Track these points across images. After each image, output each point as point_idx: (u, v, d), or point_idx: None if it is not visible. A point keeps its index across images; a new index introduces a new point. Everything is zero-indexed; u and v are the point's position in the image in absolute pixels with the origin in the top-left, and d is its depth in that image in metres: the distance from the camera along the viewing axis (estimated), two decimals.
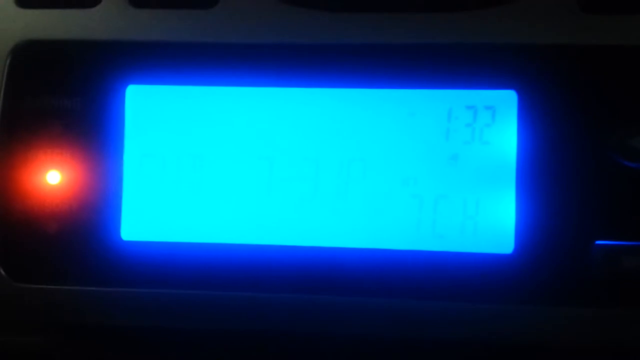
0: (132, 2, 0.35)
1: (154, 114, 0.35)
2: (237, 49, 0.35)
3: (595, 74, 0.33)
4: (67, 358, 0.37)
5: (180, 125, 0.35)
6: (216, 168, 0.35)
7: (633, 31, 0.33)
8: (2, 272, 0.35)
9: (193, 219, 0.35)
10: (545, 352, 0.34)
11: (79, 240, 0.35)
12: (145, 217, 0.35)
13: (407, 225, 0.34)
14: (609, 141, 0.33)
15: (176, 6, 0.35)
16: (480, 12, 0.34)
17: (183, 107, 0.35)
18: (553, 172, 0.33)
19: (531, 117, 0.33)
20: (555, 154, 0.33)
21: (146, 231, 0.35)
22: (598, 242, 0.33)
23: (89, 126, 0.35)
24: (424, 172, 0.34)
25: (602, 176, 0.33)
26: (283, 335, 0.34)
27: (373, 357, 0.35)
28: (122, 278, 0.35)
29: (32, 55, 0.35)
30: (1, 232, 0.35)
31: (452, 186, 0.34)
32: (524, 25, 0.34)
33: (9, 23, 0.35)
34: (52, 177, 0.35)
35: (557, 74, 0.33)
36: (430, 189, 0.34)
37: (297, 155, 0.35)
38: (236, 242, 0.35)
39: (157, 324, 0.34)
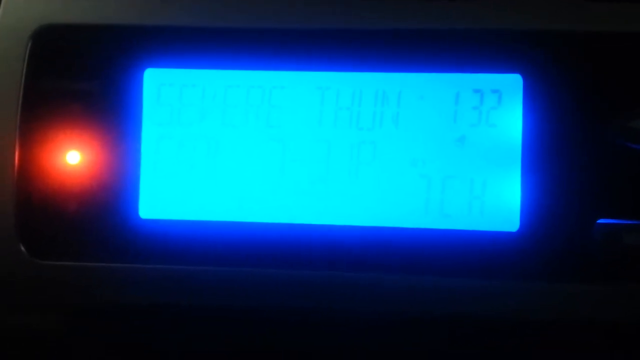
0: None
1: (171, 96, 0.36)
2: (253, 33, 0.36)
3: (598, 59, 0.34)
4: (83, 337, 0.38)
5: (196, 108, 0.36)
6: (231, 149, 0.36)
7: (634, 18, 0.34)
8: (23, 250, 0.36)
9: (208, 198, 0.36)
10: (549, 327, 0.35)
11: (98, 219, 0.36)
12: (162, 196, 0.36)
13: (415, 204, 0.35)
14: (611, 123, 0.34)
15: None
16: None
17: (199, 89, 0.36)
18: (557, 154, 0.34)
19: (536, 100, 0.35)
20: (559, 136, 0.34)
21: (163, 210, 0.36)
22: (600, 220, 0.34)
23: (108, 108, 0.36)
24: (432, 154, 0.35)
25: (604, 157, 0.34)
26: (297, 311, 0.35)
27: (382, 332, 0.36)
28: (140, 255, 0.36)
29: (52, 40, 0.36)
30: (22, 210, 0.36)
31: (460, 167, 0.35)
32: (530, 11, 0.35)
33: (31, 8, 0.36)
34: (72, 157, 0.36)
35: (561, 59, 0.35)
36: (438, 170, 0.35)
37: (309, 137, 0.36)
38: (250, 221, 0.36)
39: (174, 300, 0.35)
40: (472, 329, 0.35)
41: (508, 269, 0.35)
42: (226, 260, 0.36)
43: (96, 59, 0.36)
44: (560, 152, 0.34)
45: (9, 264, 0.36)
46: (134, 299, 0.36)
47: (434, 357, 0.36)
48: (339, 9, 0.35)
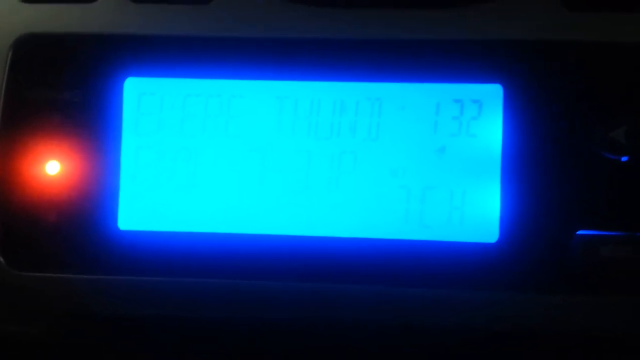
0: None
1: (151, 105, 0.36)
2: (233, 43, 0.36)
3: (577, 69, 0.34)
4: (65, 347, 0.37)
5: (176, 117, 0.36)
6: (211, 159, 0.36)
7: (613, 28, 0.34)
8: (2, 260, 0.36)
9: (188, 209, 0.36)
10: (527, 337, 0.35)
11: (77, 230, 0.36)
12: (141, 207, 0.36)
13: (395, 215, 0.35)
14: (591, 134, 0.34)
15: (174, 1, 0.36)
16: (467, 9, 0.35)
17: (179, 99, 0.36)
18: (537, 164, 0.34)
19: (516, 110, 0.35)
20: (539, 146, 0.34)
21: (143, 221, 0.36)
22: (579, 232, 0.34)
23: (87, 118, 0.36)
24: (412, 164, 0.35)
25: (584, 168, 0.34)
26: (276, 322, 0.35)
27: (362, 343, 0.36)
28: (119, 266, 0.36)
29: (33, 49, 0.36)
30: (1, 221, 0.36)
31: (440, 177, 0.35)
32: (509, 22, 0.35)
33: (12, 17, 0.36)
34: (52, 167, 0.36)
35: (541, 69, 0.35)
36: (418, 180, 0.35)
37: (289, 147, 0.36)
38: (230, 232, 0.36)
39: (154, 311, 0.35)
40: (452, 339, 0.35)
41: (487, 280, 0.35)
42: (206, 271, 0.36)
43: (76, 68, 0.36)
44: (540, 163, 0.34)
45: None
46: (113, 311, 0.36)
47: None
48: (321, 19, 0.35)
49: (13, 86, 0.36)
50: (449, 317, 0.35)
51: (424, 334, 0.35)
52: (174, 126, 0.36)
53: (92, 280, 0.36)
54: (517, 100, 0.35)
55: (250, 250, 0.35)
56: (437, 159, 0.35)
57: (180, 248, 0.36)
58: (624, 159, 0.34)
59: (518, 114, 0.35)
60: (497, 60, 0.35)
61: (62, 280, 0.36)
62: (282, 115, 0.36)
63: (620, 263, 0.33)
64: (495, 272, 0.34)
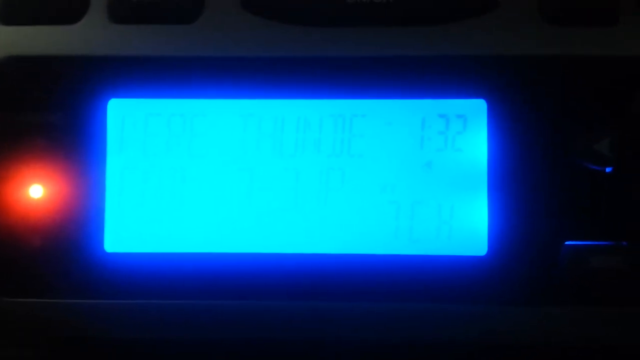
0: (113, 18, 0.36)
1: (135, 126, 0.36)
2: (217, 63, 0.36)
3: (559, 83, 0.35)
4: None
5: (161, 138, 0.36)
6: (197, 179, 0.36)
7: (592, 42, 0.35)
8: None
9: (175, 230, 0.36)
10: (520, 350, 0.35)
11: (63, 253, 0.35)
12: (128, 229, 0.36)
13: (385, 230, 0.35)
14: (575, 146, 0.35)
15: (156, 22, 0.36)
16: (450, 26, 0.35)
17: (164, 119, 0.36)
18: (523, 177, 0.35)
19: (501, 124, 0.35)
20: (525, 159, 0.35)
21: (129, 243, 0.36)
22: (567, 242, 0.34)
23: (71, 140, 0.36)
24: (400, 179, 0.35)
25: (569, 180, 0.35)
26: (267, 341, 0.35)
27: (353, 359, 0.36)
28: (106, 289, 0.35)
29: (14, 71, 0.36)
30: None
31: (428, 192, 0.35)
32: (492, 37, 0.35)
33: None
34: (35, 191, 0.36)
35: (524, 84, 0.35)
36: (407, 195, 0.35)
37: (276, 165, 0.36)
38: (219, 251, 0.35)
39: (143, 334, 0.35)
40: (444, 354, 0.35)
41: (478, 293, 0.35)
42: (195, 293, 0.35)
43: (59, 90, 0.36)
44: (526, 176, 0.35)
45: None
46: (102, 335, 0.35)
47: None
48: (305, 38, 0.35)
49: None
50: (441, 331, 0.35)
51: (416, 349, 0.35)
52: (159, 146, 0.36)
53: (80, 305, 0.35)
54: (501, 114, 0.35)
55: (239, 270, 0.35)
56: (424, 174, 0.35)
57: (169, 269, 0.35)
58: (608, 169, 0.34)
59: (502, 128, 0.35)
60: (481, 75, 0.35)
61: (49, 305, 0.35)
62: (268, 134, 0.36)
63: (610, 272, 0.34)
64: (485, 285, 0.35)
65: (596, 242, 0.34)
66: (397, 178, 0.35)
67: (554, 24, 0.35)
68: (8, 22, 0.36)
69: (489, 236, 0.35)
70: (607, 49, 0.35)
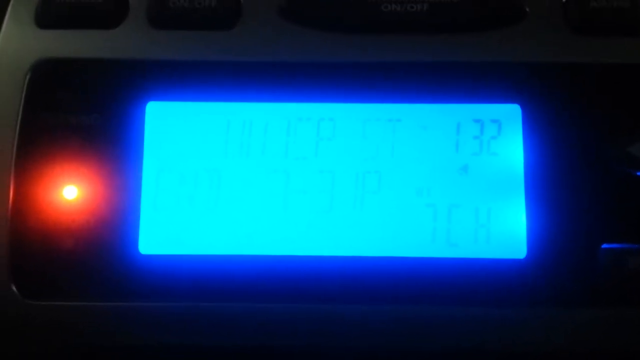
0: (153, 23, 0.36)
1: (172, 129, 0.36)
2: (252, 67, 0.36)
3: (592, 89, 0.36)
4: None
5: (197, 140, 0.36)
6: (233, 182, 0.36)
7: (615, 51, 0.36)
8: (15, 290, 0.34)
9: (211, 232, 0.35)
10: (559, 354, 0.34)
11: (96, 256, 0.35)
12: (163, 230, 0.35)
13: (422, 233, 0.35)
14: (609, 150, 0.35)
15: (195, 28, 0.36)
16: (486, 34, 0.36)
17: (201, 122, 0.36)
18: (559, 180, 0.35)
19: (535, 129, 0.35)
20: (560, 163, 0.35)
21: (164, 245, 0.35)
22: (605, 245, 0.35)
23: (107, 142, 0.36)
24: (436, 183, 0.35)
25: (605, 183, 0.35)
26: (305, 346, 0.34)
27: None
28: (141, 292, 0.34)
29: (51, 73, 0.36)
30: (15, 249, 0.35)
31: (464, 195, 0.35)
32: (524, 45, 0.36)
33: (29, 42, 0.36)
34: (69, 192, 0.35)
35: (557, 89, 0.36)
36: (443, 199, 0.35)
37: (313, 168, 0.36)
38: (254, 254, 0.35)
39: (177, 339, 0.34)
40: (483, 357, 0.34)
41: (517, 297, 0.34)
42: (230, 295, 0.35)
43: (97, 93, 0.36)
44: (562, 179, 0.35)
45: (0, 306, 0.34)
46: (135, 339, 0.34)
47: None
48: (344, 45, 0.36)
49: (30, 110, 0.36)
50: (480, 335, 0.34)
51: (456, 354, 0.34)
52: (195, 149, 0.36)
53: (113, 308, 0.34)
54: (535, 119, 0.36)
55: (275, 272, 0.35)
56: (460, 178, 0.36)
57: (204, 271, 0.35)
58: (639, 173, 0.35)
59: (537, 133, 0.35)
60: (515, 81, 0.36)
61: (82, 308, 0.34)
62: (304, 137, 0.36)
63: None
64: (525, 288, 0.34)
65: (633, 245, 0.34)
66: (433, 181, 0.35)
67: (580, 33, 0.36)
68: (43, 25, 0.36)
69: (527, 239, 0.35)
70: (631, 57, 0.36)
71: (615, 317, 0.34)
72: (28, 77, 0.36)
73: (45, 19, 0.37)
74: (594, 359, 0.35)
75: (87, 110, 0.36)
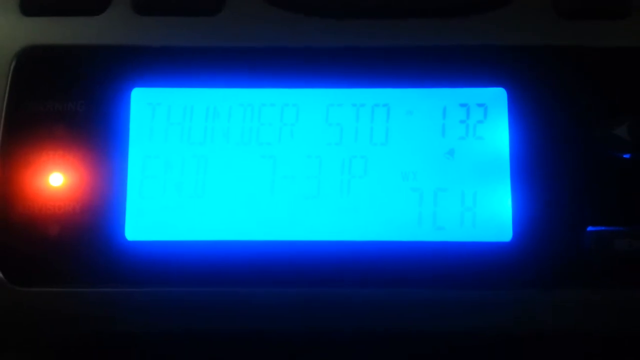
0: (137, 9, 0.36)
1: (158, 115, 0.36)
2: (238, 53, 0.36)
3: (577, 72, 0.36)
4: None
5: (183, 126, 0.36)
6: (219, 167, 0.36)
7: (603, 34, 0.36)
8: (1, 276, 0.34)
9: (197, 218, 0.35)
10: (545, 334, 0.35)
11: (83, 241, 0.35)
12: (149, 217, 0.35)
13: (408, 217, 0.35)
14: (595, 132, 0.35)
15: (180, 14, 0.36)
16: (471, 18, 0.36)
17: (186, 108, 0.36)
18: (545, 164, 0.35)
19: (521, 112, 0.36)
20: (546, 146, 0.35)
21: (150, 231, 0.35)
22: (590, 228, 0.35)
23: (93, 128, 0.36)
24: (422, 167, 0.36)
25: (590, 166, 0.35)
26: (291, 329, 0.34)
27: (380, 347, 0.35)
28: (127, 278, 0.34)
29: (37, 60, 0.36)
30: (1, 235, 0.35)
31: (450, 179, 0.35)
32: (511, 29, 0.36)
33: (14, 29, 0.36)
34: (55, 179, 0.35)
35: (542, 73, 0.36)
36: (430, 183, 0.35)
37: (299, 153, 0.36)
38: (241, 239, 0.35)
39: (164, 323, 0.34)
40: (470, 339, 0.35)
41: (504, 279, 0.35)
42: (217, 280, 0.35)
43: (82, 80, 0.36)
44: (548, 162, 0.35)
45: None
46: (122, 325, 0.34)
47: None
48: (329, 29, 0.36)
49: (15, 97, 0.35)
50: (467, 318, 0.34)
51: (443, 336, 0.35)
52: (180, 135, 0.36)
53: (100, 294, 0.34)
54: (520, 102, 0.36)
55: (262, 258, 0.35)
56: (446, 162, 0.36)
57: (190, 257, 0.35)
58: (626, 155, 0.35)
59: (522, 116, 0.36)
60: (500, 65, 0.36)
61: (69, 294, 0.34)
62: (290, 122, 0.36)
63: (634, 255, 0.34)
64: (512, 271, 0.35)
65: (618, 227, 0.34)
66: (419, 166, 0.36)
67: (566, 17, 0.36)
68: (28, 13, 0.36)
69: (513, 222, 0.35)
70: (618, 40, 0.36)
71: (601, 298, 0.34)
72: (13, 64, 0.36)
73: (30, 6, 0.36)
74: (579, 339, 0.35)
75: (72, 97, 0.36)
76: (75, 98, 0.36)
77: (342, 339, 0.35)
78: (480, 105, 0.36)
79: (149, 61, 0.36)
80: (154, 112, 0.36)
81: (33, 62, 0.36)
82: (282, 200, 0.35)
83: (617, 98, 0.35)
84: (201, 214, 0.35)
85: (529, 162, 0.35)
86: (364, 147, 0.36)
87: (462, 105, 0.36)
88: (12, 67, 0.36)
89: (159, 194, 0.35)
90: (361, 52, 0.36)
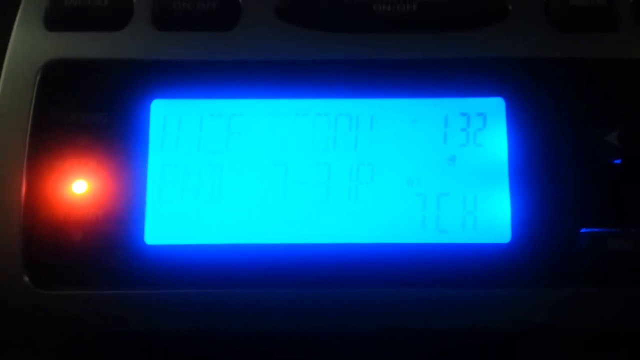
0: (157, 25, 0.38)
1: (176, 125, 0.38)
2: (252, 66, 0.38)
3: (570, 82, 0.38)
4: None
5: (200, 136, 0.38)
6: (234, 175, 0.38)
7: (594, 47, 0.38)
8: (27, 280, 0.36)
9: (213, 223, 0.37)
10: (542, 331, 0.36)
11: (104, 246, 0.36)
12: (167, 222, 0.37)
13: (413, 221, 0.37)
14: (588, 139, 0.37)
15: (197, 29, 0.38)
16: (471, 32, 0.38)
17: (203, 118, 0.38)
18: (541, 169, 0.37)
19: (518, 121, 0.38)
20: (542, 152, 0.37)
21: (168, 235, 0.37)
22: (584, 229, 0.37)
23: (114, 138, 0.37)
24: (426, 173, 0.38)
25: (584, 171, 0.37)
26: (304, 329, 0.36)
27: (386, 347, 0.37)
28: (147, 280, 0.36)
29: (61, 73, 0.38)
30: (27, 240, 0.36)
31: (452, 185, 0.38)
32: (508, 42, 0.38)
33: (39, 44, 0.38)
34: (78, 186, 0.37)
35: (539, 83, 0.38)
36: (433, 188, 0.38)
37: (309, 161, 0.38)
38: (255, 242, 0.37)
39: (183, 325, 0.36)
40: (472, 337, 0.37)
41: (501, 278, 0.37)
42: (232, 282, 0.36)
43: (104, 92, 0.38)
44: (544, 168, 0.37)
45: (13, 296, 0.36)
46: (141, 325, 0.36)
47: None
48: (337, 43, 0.38)
49: (41, 109, 0.37)
50: (468, 315, 0.36)
51: (445, 334, 0.37)
52: (198, 144, 0.38)
53: (121, 296, 0.36)
54: (518, 111, 0.38)
55: (275, 260, 0.37)
56: (448, 168, 0.38)
57: (207, 260, 0.37)
58: (616, 161, 0.37)
59: (520, 124, 0.38)
60: (499, 76, 0.38)
61: (91, 297, 0.36)
62: (301, 131, 0.38)
63: (625, 255, 0.36)
64: (510, 271, 0.37)
65: (612, 228, 0.37)
66: (422, 172, 0.38)
67: (560, 30, 0.38)
68: (52, 28, 0.38)
69: (512, 224, 0.37)
70: (609, 52, 0.38)
71: (595, 295, 0.36)
72: (38, 77, 0.38)
73: (54, 21, 0.38)
74: (575, 335, 0.37)
75: (94, 109, 0.37)
76: (97, 109, 0.37)
77: (353, 337, 0.36)
78: (479, 114, 0.38)
79: (168, 74, 0.38)
80: (173, 122, 0.38)
81: (58, 75, 0.38)
82: (293, 205, 0.37)
83: (608, 107, 0.38)
84: (217, 219, 0.37)
85: (526, 168, 0.37)
86: (370, 154, 0.38)
87: (463, 114, 0.38)
88: (37, 80, 0.37)
89: (177, 200, 0.37)
90: (368, 64, 0.38)
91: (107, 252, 0.36)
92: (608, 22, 0.38)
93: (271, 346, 0.37)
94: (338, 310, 0.36)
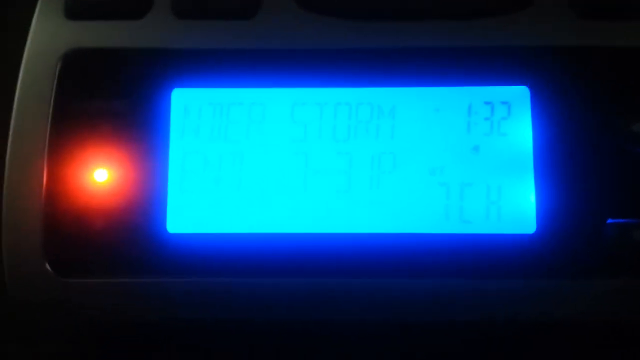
0: (177, 13, 0.38)
1: (196, 114, 0.38)
2: (273, 54, 0.38)
3: (595, 71, 0.37)
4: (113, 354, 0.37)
5: (221, 124, 0.38)
6: (255, 164, 0.37)
7: (619, 34, 0.37)
8: (49, 269, 0.36)
9: (234, 212, 0.37)
10: (568, 323, 0.36)
11: (126, 234, 0.36)
12: (189, 210, 0.37)
13: (436, 211, 0.37)
14: (614, 129, 0.37)
15: (217, 17, 0.38)
16: (495, 20, 0.38)
17: (223, 107, 0.38)
18: (566, 159, 0.37)
19: (543, 110, 0.37)
20: (567, 142, 0.37)
21: (190, 224, 0.37)
22: (610, 220, 0.36)
23: (136, 127, 0.37)
24: (449, 162, 0.37)
25: (610, 161, 0.37)
26: (326, 319, 0.36)
27: (410, 336, 0.37)
28: (169, 269, 0.36)
29: (81, 62, 0.38)
30: (49, 229, 0.36)
31: (476, 174, 0.37)
32: (532, 30, 0.38)
33: (59, 33, 0.38)
34: (100, 175, 0.37)
35: (563, 72, 0.37)
36: (456, 178, 0.37)
37: (331, 150, 0.37)
38: (277, 232, 0.37)
39: (204, 313, 0.36)
40: (496, 328, 0.36)
41: (527, 269, 0.36)
42: (253, 271, 0.36)
43: (125, 81, 0.37)
44: (569, 157, 0.37)
45: (35, 285, 0.36)
46: (163, 313, 0.36)
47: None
48: (360, 31, 0.38)
49: (62, 98, 0.37)
50: (493, 307, 0.36)
51: (470, 325, 0.36)
52: (219, 133, 0.38)
53: (143, 284, 0.36)
54: (543, 100, 0.37)
55: (297, 249, 0.37)
56: (472, 157, 0.37)
57: (229, 249, 0.36)
58: None
59: (545, 113, 0.37)
60: (523, 64, 0.37)
61: (113, 285, 0.36)
62: (322, 120, 0.38)
63: None
64: (535, 262, 0.36)
65: (638, 219, 0.36)
66: (446, 161, 0.37)
67: (584, 17, 0.38)
68: (72, 17, 0.38)
69: (537, 215, 0.36)
70: (633, 40, 0.37)
71: (620, 287, 0.36)
72: (59, 66, 0.38)
73: (74, 11, 0.38)
74: (600, 327, 0.36)
75: (115, 97, 0.37)
76: (118, 98, 0.37)
77: (376, 328, 0.36)
78: (504, 103, 0.38)
79: (188, 63, 0.38)
80: (193, 111, 0.38)
81: (78, 64, 0.38)
82: (315, 195, 0.37)
83: (634, 96, 0.37)
84: (238, 208, 0.37)
85: (551, 157, 0.37)
86: (392, 143, 0.37)
87: (487, 103, 0.38)
88: (58, 69, 0.37)
89: (199, 189, 0.37)
90: (390, 53, 0.38)
91: (129, 240, 0.36)
92: (632, 9, 0.38)
93: (289, 336, 0.37)
94: (360, 300, 0.36)
